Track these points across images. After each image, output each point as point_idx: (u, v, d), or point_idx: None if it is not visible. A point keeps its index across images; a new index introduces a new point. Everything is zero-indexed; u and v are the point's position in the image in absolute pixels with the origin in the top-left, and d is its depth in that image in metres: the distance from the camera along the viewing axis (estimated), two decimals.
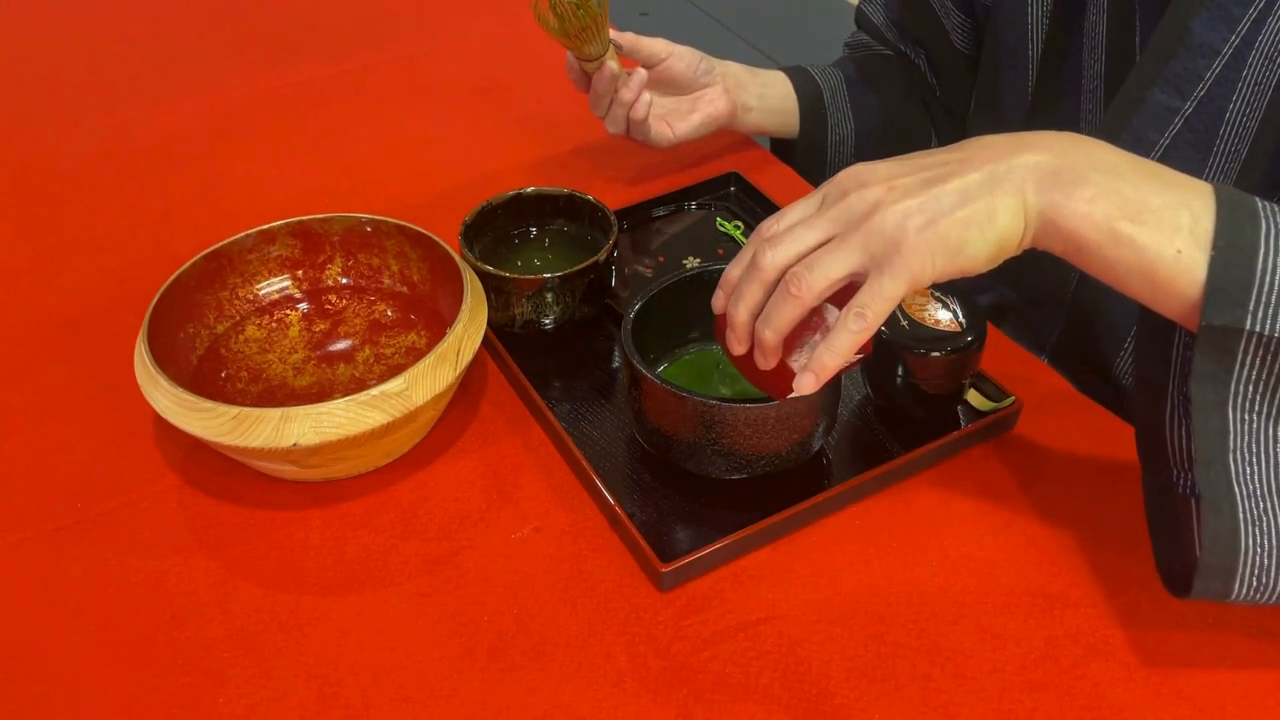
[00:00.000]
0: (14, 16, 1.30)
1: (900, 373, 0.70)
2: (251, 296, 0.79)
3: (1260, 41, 0.67)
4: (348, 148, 1.05)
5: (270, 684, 0.60)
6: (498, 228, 0.83)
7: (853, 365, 0.58)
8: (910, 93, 1.02)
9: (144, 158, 1.04)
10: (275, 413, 0.63)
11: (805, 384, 0.56)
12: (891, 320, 0.70)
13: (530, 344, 0.79)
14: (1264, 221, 0.51)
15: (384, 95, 1.14)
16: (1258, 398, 0.52)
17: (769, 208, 0.91)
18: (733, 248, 0.90)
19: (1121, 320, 0.81)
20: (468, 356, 0.69)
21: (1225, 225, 0.51)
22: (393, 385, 0.65)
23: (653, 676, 0.60)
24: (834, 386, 0.67)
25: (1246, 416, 0.52)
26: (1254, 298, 0.50)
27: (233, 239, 0.77)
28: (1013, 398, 0.73)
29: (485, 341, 0.75)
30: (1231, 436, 0.52)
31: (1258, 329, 0.50)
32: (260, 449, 0.63)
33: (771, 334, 0.56)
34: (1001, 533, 0.67)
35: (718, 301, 0.60)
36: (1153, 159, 0.74)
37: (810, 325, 0.59)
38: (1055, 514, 0.68)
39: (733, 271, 0.59)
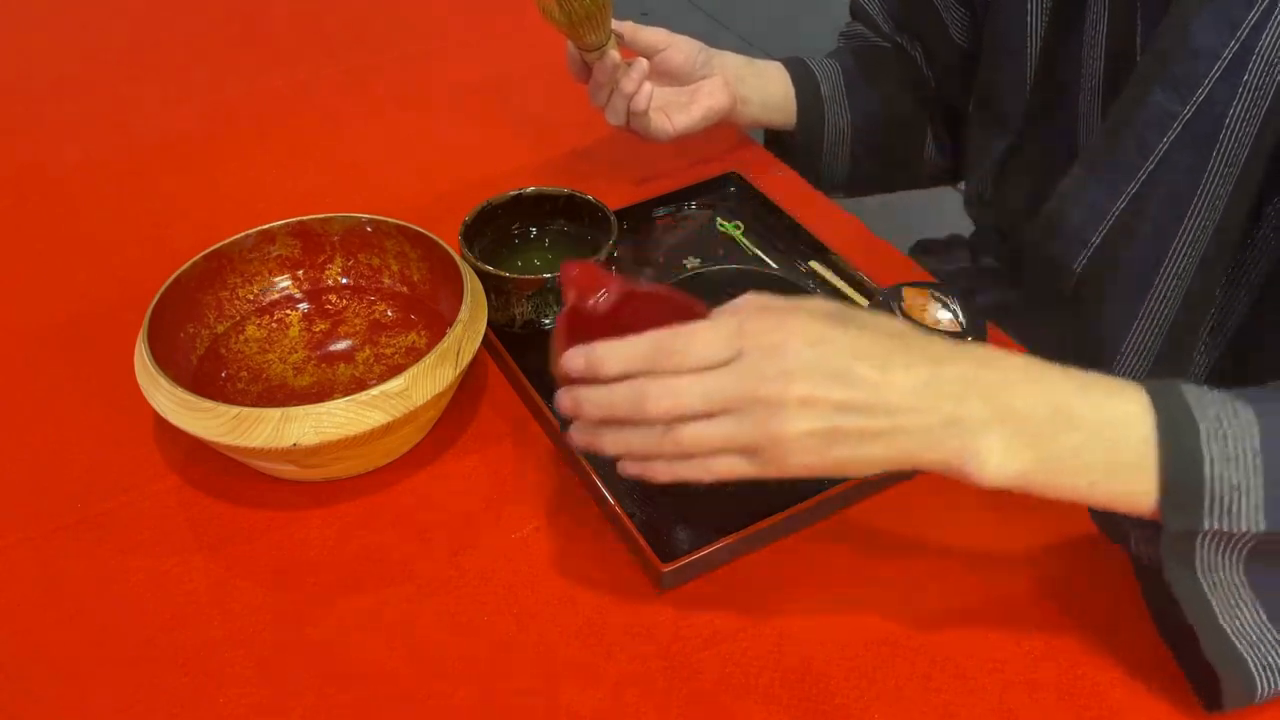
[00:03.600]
0: (14, 16, 1.30)
1: None
2: (251, 296, 0.79)
3: (1260, 46, 0.67)
4: (348, 148, 1.05)
5: (270, 684, 0.60)
6: (498, 228, 0.83)
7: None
8: (907, 85, 1.02)
9: (144, 158, 1.04)
10: (275, 413, 0.63)
11: (628, 468, 0.55)
12: None
13: (530, 344, 0.79)
14: (1201, 426, 0.51)
15: (384, 95, 1.14)
16: (1219, 559, 0.53)
17: (769, 208, 0.91)
18: (733, 248, 0.90)
19: (1118, 321, 0.81)
20: (468, 356, 0.69)
21: (1168, 438, 0.51)
22: (393, 385, 0.65)
23: (653, 676, 0.60)
24: None
25: (1214, 576, 0.53)
26: (1206, 505, 0.51)
27: (233, 239, 0.77)
28: None
29: (485, 341, 0.75)
30: (1214, 601, 0.53)
31: (1214, 527, 0.51)
32: (260, 449, 0.63)
33: (633, 468, 0.55)
34: (1001, 533, 0.67)
35: (576, 363, 0.55)
36: (1152, 162, 0.74)
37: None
38: (1055, 514, 0.67)
39: (613, 359, 0.53)
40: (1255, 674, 0.54)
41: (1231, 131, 0.70)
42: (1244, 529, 0.50)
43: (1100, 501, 0.53)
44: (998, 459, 0.51)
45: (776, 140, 1.05)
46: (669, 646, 0.61)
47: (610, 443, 0.54)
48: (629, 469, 0.56)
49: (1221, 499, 0.50)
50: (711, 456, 0.53)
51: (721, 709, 0.58)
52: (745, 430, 0.51)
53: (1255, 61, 0.68)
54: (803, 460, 0.52)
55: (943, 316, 0.70)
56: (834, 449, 0.51)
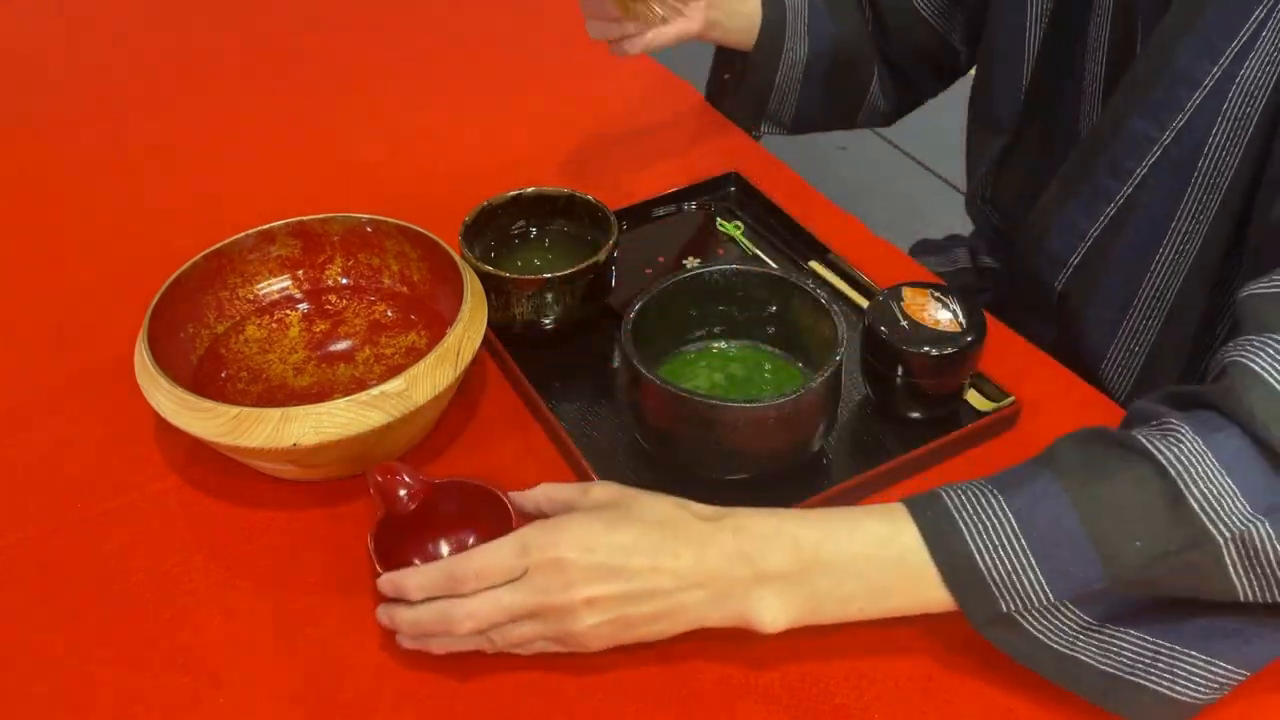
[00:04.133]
0: (15, 17, 1.30)
1: (900, 373, 0.70)
2: (251, 296, 0.79)
3: (1242, 75, 0.67)
4: (348, 148, 1.05)
5: (270, 684, 0.60)
6: (498, 228, 0.83)
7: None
8: (862, 28, 1.00)
9: (144, 158, 1.05)
10: (275, 413, 0.63)
11: (402, 644, 0.59)
12: (891, 320, 0.70)
13: (530, 344, 0.79)
14: (962, 526, 0.55)
15: (384, 95, 1.14)
16: (1053, 623, 0.55)
17: (769, 208, 0.91)
18: (733, 248, 0.90)
19: (1100, 337, 0.81)
20: (468, 356, 0.69)
21: (935, 545, 0.55)
22: (393, 385, 0.65)
23: (653, 677, 0.60)
24: (834, 387, 0.67)
25: (1066, 639, 0.55)
26: (995, 592, 0.55)
27: (233, 239, 0.77)
28: (1012, 398, 0.73)
29: (485, 341, 0.75)
30: (1084, 656, 0.55)
31: (1014, 608, 0.55)
32: (260, 449, 0.63)
33: (440, 651, 0.59)
34: None
35: (385, 588, 0.59)
36: (1130, 186, 0.74)
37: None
38: None
39: (414, 588, 0.58)
40: (1171, 693, 0.54)
41: (1210, 159, 0.70)
42: (1037, 603, 0.54)
43: (891, 615, 0.58)
44: (771, 614, 0.57)
45: (725, 62, 1.02)
46: (670, 647, 0.61)
47: (436, 645, 0.59)
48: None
49: (1004, 583, 0.54)
50: (527, 643, 0.58)
51: (721, 709, 0.58)
52: (546, 629, 0.57)
53: (1236, 90, 0.68)
54: (604, 644, 0.58)
55: (943, 316, 0.70)
56: (628, 632, 0.58)
